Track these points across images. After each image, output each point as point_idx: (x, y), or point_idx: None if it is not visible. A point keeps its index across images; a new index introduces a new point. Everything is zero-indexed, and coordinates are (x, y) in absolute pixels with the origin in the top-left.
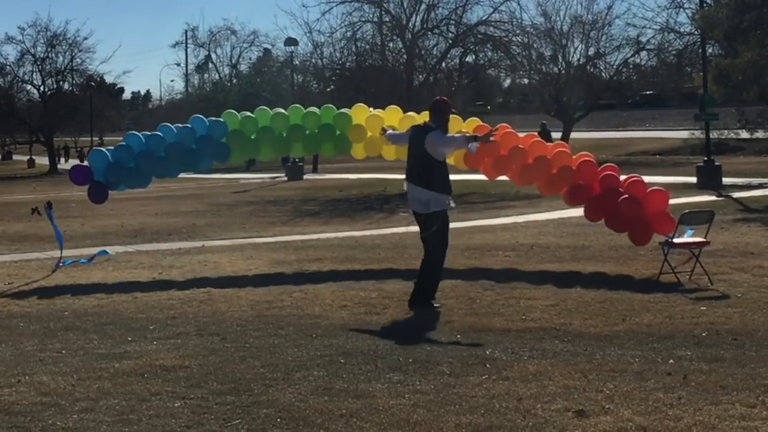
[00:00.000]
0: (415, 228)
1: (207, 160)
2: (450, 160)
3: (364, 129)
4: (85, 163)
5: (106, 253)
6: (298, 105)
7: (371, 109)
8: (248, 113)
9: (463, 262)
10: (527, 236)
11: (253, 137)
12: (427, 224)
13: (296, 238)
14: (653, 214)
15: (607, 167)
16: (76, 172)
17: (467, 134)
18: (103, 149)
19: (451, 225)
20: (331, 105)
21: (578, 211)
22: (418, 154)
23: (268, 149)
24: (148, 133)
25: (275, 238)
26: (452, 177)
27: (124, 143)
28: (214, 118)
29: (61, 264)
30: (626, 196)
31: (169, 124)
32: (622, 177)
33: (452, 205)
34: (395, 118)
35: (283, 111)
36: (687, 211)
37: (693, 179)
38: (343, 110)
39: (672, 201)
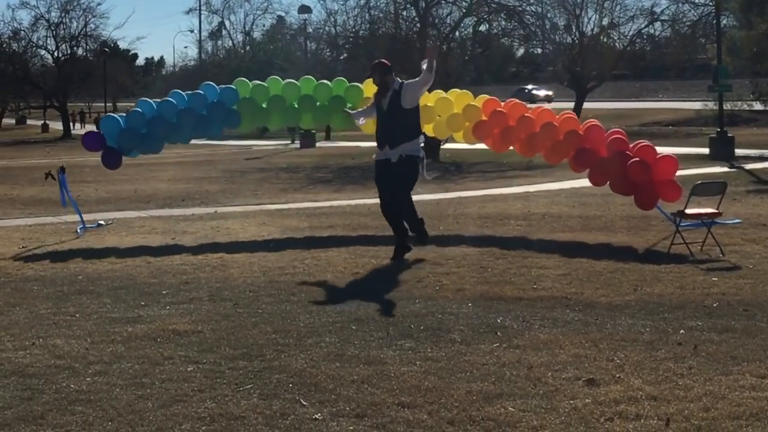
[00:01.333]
0: (428, 196)
1: (217, 126)
2: (458, 137)
3: None
4: (98, 129)
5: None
6: (309, 76)
7: None
8: (260, 82)
9: (474, 230)
10: (539, 205)
11: (264, 106)
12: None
13: (308, 205)
14: (661, 181)
15: (615, 131)
16: (89, 139)
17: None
18: (115, 115)
19: (464, 194)
20: (342, 78)
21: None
22: (395, 114)
23: (278, 118)
24: (159, 99)
25: (288, 205)
26: (464, 145)
27: (136, 109)
28: (225, 86)
29: (81, 228)
30: (636, 159)
31: (180, 91)
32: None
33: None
34: None
35: (294, 81)
36: (699, 182)
37: (706, 150)
38: (354, 84)
39: (684, 172)
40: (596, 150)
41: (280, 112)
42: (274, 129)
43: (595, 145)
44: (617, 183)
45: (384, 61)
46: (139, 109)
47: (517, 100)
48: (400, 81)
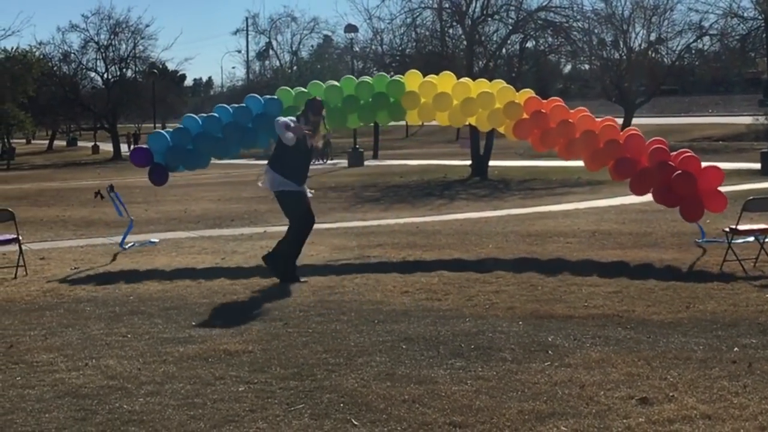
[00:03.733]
0: (476, 214)
1: (264, 137)
2: (501, 129)
3: (417, 96)
4: (145, 145)
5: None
6: (350, 76)
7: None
8: (302, 88)
9: (524, 248)
10: (589, 222)
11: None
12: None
13: (357, 224)
14: (706, 192)
15: (655, 141)
16: (137, 155)
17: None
18: (163, 131)
19: (513, 211)
20: (383, 73)
21: (640, 198)
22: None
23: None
24: (205, 115)
25: (336, 224)
26: (512, 163)
27: (181, 126)
28: (269, 96)
29: (126, 246)
30: (681, 171)
31: (225, 105)
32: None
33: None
34: (449, 83)
35: (335, 83)
36: (752, 197)
37: (757, 165)
38: (396, 77)
39: (736, 187)
40: (636, 159)
41: (326, 116)
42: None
43: (636, 155)
44: (661, 193)
45: (318, 99)
46: (185, 126)
47: (559, 101)
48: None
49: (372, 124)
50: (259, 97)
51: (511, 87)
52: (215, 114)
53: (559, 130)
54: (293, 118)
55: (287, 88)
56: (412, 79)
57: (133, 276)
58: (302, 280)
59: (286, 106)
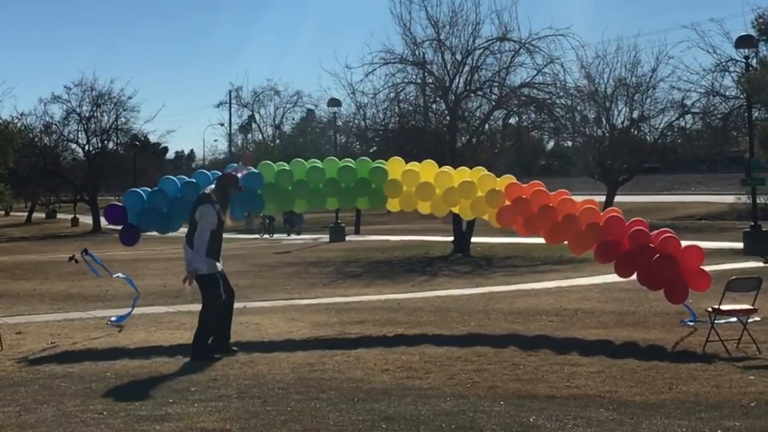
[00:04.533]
0: (458, 291)
1: (239, 209)
2: (485, 217)
3: (399, 184)
4: (119, 203)
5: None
6: (333, 157)
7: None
8: (284, 165)
9: (506, 326)
10: (571, 301)
11: (288, 189)
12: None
13: (338, 300)
14: (688, 272)
15: (636, 221)
16: (112, 211)
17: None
18: (139, 190)
19: (495, 288)
20: (366, 158)
21: None
22: (191, 219)
23: (304, 202)
24: (185, 177)
25: (317, 300)
26: (494, 239)
27: (159, 188)
28: (251, 168)
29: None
30: (661, 254)
31: (205, 171)
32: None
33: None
34: (431, 172)
35: (318, 164)
36: (734, 277)
37: (740, 245)
38: (378, 163)
39: (719, 267)
40: (618, 242)
41: (305, 197)
42: (300, 211)
43: (617, 236)
44: (645, 276)
45: (234, 174)
46: (162, 188)
47: (540, 184)
48: (212, 199)
49: None
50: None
51: (492, 174)
52: (194, 180)
53: (541, 216)
54: (204, 237)
55: (270, 162)
56: (395, 167)
57: (111, 351)
58: (234, 349)
59: (266, 181)
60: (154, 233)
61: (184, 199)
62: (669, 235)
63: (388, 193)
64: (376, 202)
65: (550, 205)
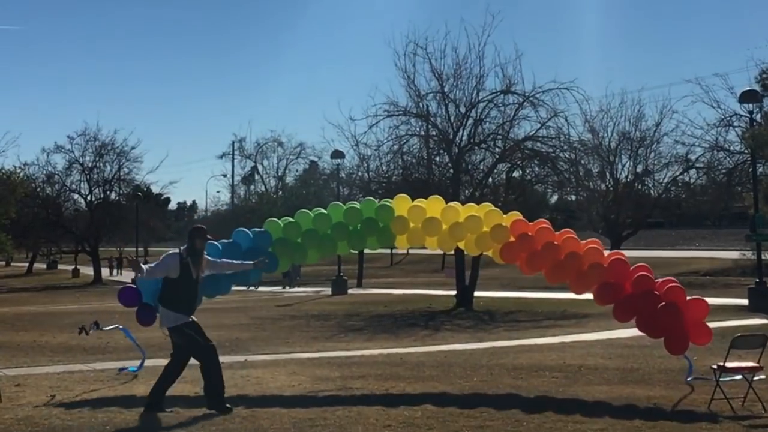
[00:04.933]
0: (461, 346)
1: (255, 272)
2: (489, 253)
3: (406, 220)
4: (134, 284)
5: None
6: (337, 202)
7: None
8: (289, 218)
9: (509, 382)
10: (575, 357)
11: (298, 241)
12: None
13: (340, 354)
14: (691, 324)
15: (640, 267)
16: (125, 295)
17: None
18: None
19: (498, 343)
20: (371, 198)
21: (627, 332)
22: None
23: (315, 252)
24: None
25: (319, 354)
26: (497, 294)
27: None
28: (257, 229)
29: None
30: (666, 302)
31: (214, 242)
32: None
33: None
34: (437, 208)
35: (323, 211)
36: (739, 334)
37: (744, 301)
38: (384, 202)
39: (723, 324)
40: (620, 285)
41: (316, 246)
42: (312, 262)
43: (620, 279)
44: (645, 323)
45: (203, 226)
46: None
47: (546, 222)
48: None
49: (356, 251)
50: (248, 231)
51: (498, 210)
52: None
53: (544, 253)
54: (151, 267)
55: (275, 219)
56: (401, 204)
57: (111, 404)
58: (168, 410)
59: (275, 238)
60: None
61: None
62: (674, 284)
63: (395, 231)
64: (385, 240)
65: (554, 242)
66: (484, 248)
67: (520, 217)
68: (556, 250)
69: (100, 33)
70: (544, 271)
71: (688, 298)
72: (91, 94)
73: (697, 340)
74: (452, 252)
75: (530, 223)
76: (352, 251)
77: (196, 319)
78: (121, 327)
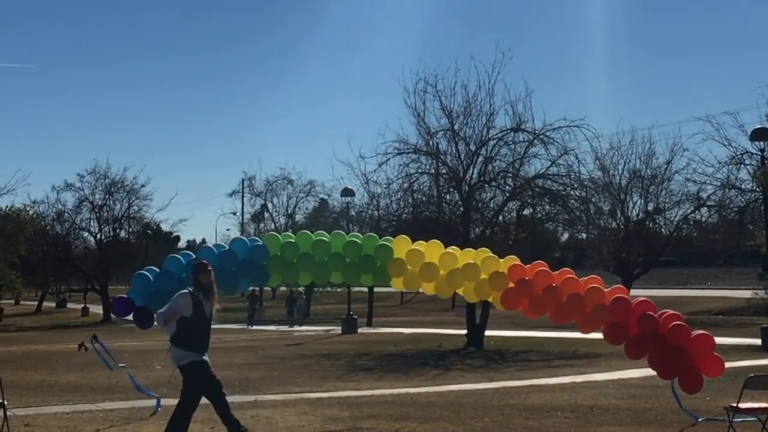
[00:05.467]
0: (472, 386)
1: (245, 282)
2: (490, 300)
3: (404, 263)
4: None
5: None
6: (340, 231)
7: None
8: (290, 237)
9: (521, 423)
10: (587, 397)
11: (294, 261)
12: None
13: (350, 393)
14: (700, 358)
15: (642, 303)
16: (118, 304)
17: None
18: (146, 272)
19: (510, 383)
20: (373, 234)
21: (639, 372)
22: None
23: (308, 275)
24: (191, 253)
25: (329, 394)
26: (508, 332)
27: (165, 269)
28: (256, 240)
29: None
30: (671, 346)
31: (211, 246)
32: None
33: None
34: (436, 253)
35: (325, 237)
36: (752, 375)
37: (758, 341)
38: (384, 241)
39: (736, 364)
40: (626, 323)
41: (310, 270)
42: (303, 284)
43: (624, 317)
44: (656, 364)
45: (203, 261)
46: (169, 269)
47: (543, 264)
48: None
49: (366, 289)
50: (246, 239)
51: (495, 256)
52: (201, 257)
53: (545, 297)
54: (164, 310)
55: (275, 233)
56: (401, 245)
57: None
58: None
59: (272, 254)
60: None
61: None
62: (678, 322)
63: (391, 273)
64: (380, 280)
65: (554, 285)
66: (483, 296)
67: (517, 261)
68: (556, 292)
69: (111, 73)
70: (548, 315)
71: (693, 334)
72: (101, 133)
73: (710, 373)
74: None
75: (527, 267)
76: (343, 282)
77: (207, 359)
78: (127, 372)
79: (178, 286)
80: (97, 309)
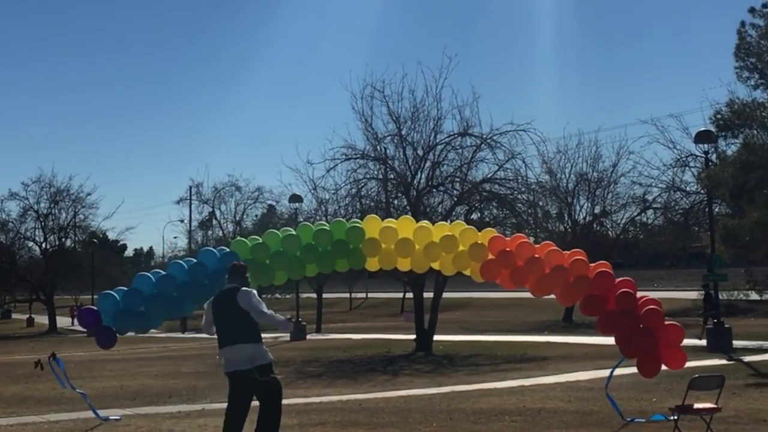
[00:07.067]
0: (420, 391)
1: (190, 304)
2: (467, 272)
3: (378, 242)
4: (95, 306)
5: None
6: (307, 223)
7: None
8: (258, 238)
9: (469, 427)
10: (534, 400)
11: (266, 262)
12: (263, 374)
13: (299, 400)
14: (665, 348)
15: (624, 281)
16: (85, 315)
17: (284, 319)
18: (113, 293)
19: (458, 388)
20: (341, 219)
21: (586, 375)
22: (233, 314)
23: (283, 273)
24: (161, 271)
25: None
26: (457, 337)
27: (134, 287)
28: (225, 249)
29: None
30: (643, 327)
31: (180, 261)
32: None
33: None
34: (410, 228)
35: (292, 232)
36: (697, 375)
37: (703, 342)
38: (354, 223)
39: None
40: (605, 297)
41: (285, 267)
42: (279, 284)
43: (605, 292)
44: (621, 341)
45: (238, 263)
46: (137, 287)
47: (524, 237)
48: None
49: (315, 295)
50: (214, 250)
51: (473, 228)
52: (170, 273)
53: (528, 268)
54: (274, 313)
55: (243, 239)
56: (372, 225)
57: None
58: None
59: (243, 258)
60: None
61: (161, 295)
62: (654, 306)
63: (366, 253)
64: (356, 262)
65: (537, 256)
66: (461, 267)
67: (496, 233)
68: (539, 264)
69: (54, 79)
70: (528, 286)
71: (666, 322)
72: (46, 140)
73: (671, 365)
74: (411, 295)
75: (508, 239)
76: (319, 272)
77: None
78: (81, 392)
79: (145, 304)
80: (42, 319)
